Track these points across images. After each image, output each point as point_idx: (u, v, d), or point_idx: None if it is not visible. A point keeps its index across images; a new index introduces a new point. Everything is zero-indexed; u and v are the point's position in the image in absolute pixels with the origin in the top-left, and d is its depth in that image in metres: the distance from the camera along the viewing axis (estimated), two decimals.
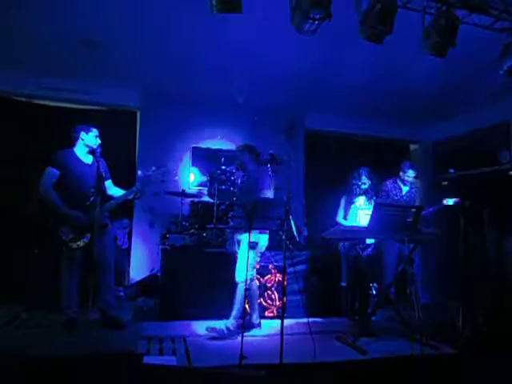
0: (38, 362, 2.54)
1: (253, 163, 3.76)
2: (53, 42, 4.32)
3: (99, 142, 3.53)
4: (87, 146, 3.52)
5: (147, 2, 3.66)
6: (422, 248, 4.61)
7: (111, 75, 5.22)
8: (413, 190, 4.45)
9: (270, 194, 3.53)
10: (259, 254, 3.61)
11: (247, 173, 3.81)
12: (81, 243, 3.34)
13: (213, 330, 3.37)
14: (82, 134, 3.50)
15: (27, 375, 2.30)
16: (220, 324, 3.44)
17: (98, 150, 3.35)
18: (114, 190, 3.66)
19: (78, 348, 2.85)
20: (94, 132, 3.55)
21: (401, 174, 4.42)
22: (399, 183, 4.45)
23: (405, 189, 4.44)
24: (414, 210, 3.44)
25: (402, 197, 4.41)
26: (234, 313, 3.43)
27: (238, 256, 3.52)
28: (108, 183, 3.66)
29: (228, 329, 3.37)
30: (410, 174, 4.35)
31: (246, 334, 2.64)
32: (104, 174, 3.47)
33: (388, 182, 4.48)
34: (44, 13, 3.82)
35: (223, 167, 4.53)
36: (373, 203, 3.89)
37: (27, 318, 3.74)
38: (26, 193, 3.53)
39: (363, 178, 4.02)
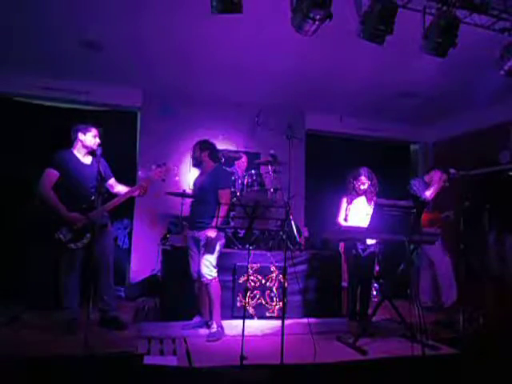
0: (38, 362, 2.54)
1: (211, 161, 3.63)
2: (53, 42, 4.32)
3: (98, 141, 3.48)
4: (86, 146, 3.49)
5: (147, 2, 3.66)
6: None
7: (111, 75, 5.22)
8: None
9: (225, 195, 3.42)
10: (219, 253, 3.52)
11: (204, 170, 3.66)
12: (80, 244, 3.33)
13: (211, 335, 3.36)
14: (80, 135, 3.47)
15: (27, 375, 2.30)
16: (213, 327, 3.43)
17: (99, 151, 3.30)
18: (119, 188, 3.63)
19: (78, 348, 2.85)
20: (92, 132, 3.50)
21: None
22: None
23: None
24: (415, 210, 3.43)
25: None
26: (216, 310, 3.43)
27: (200, 255, 3.44)
28: (112, 181, 3.64)
29: (221, 327, 3.40)
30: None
31: (246, 333, 2.64)
32: (104, 174, 3.47)
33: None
34: (44, 13, 3.82)
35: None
36: (373, 203, 3.89)
37: (27, 317, 3.74)
38: (25, 193, 3.52)
39: (363, 178, 4.01)
